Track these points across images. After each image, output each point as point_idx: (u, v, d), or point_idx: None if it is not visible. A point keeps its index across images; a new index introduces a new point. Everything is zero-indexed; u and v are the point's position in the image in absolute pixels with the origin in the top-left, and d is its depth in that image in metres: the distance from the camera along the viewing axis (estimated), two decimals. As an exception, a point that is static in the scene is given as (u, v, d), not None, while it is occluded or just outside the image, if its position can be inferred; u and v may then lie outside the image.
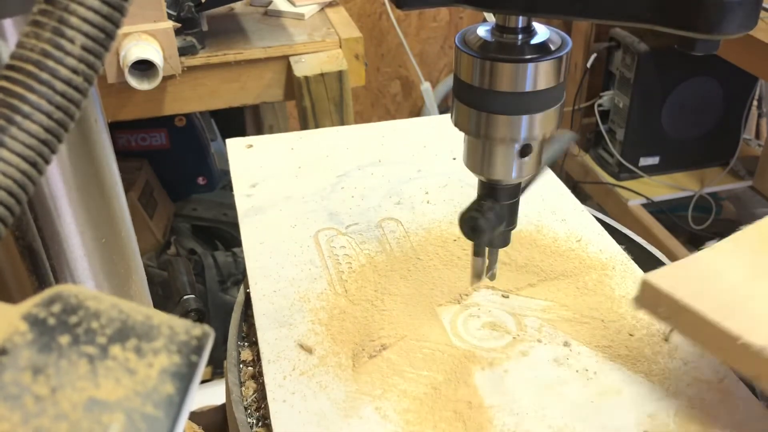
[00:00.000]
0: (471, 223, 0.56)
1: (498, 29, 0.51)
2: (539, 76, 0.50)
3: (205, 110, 1.84)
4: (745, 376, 0.56)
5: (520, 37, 0.50)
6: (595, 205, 2.25)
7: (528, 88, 0.50)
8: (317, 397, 0.60)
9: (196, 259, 1.74)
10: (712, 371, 0.62)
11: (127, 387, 0.24)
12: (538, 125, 0.52)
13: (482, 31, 0.51)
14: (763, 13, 1.36)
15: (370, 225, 0.82)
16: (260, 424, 0.61)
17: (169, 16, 1.27)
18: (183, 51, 1.31)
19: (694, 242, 2.29)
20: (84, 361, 0.24)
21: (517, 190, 0.58)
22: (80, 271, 0.51)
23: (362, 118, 2.58)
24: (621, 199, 2.18)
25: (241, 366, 0.68)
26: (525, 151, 0.53)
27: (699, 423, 0.57)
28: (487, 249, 0.63)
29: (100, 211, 0.51)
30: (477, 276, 0.62)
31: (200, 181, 2.03)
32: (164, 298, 1.59)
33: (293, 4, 1.54)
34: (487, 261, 0.64)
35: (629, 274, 0.74)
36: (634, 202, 2.17)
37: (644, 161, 2.18)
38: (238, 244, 1.29)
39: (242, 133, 2.13)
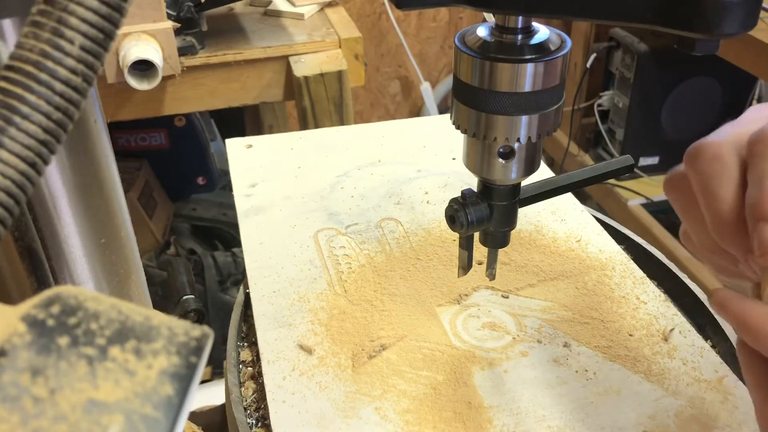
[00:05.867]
0: (449, 212, 0.58)
1: (498, 29, 0.50)
2: (535, 77, 0.49)
3: (204, 110, 1.84)
4: None
5: (519, 37, 0.50)
6: (594, 205, 2.25)
7: (523, 88, 0.50)
8: (317, 397, 0.60)
9: (195, 259, 1.74)
10: (712, 371, 0.62)
11: (127, 388, 0.24)
12: (535, 126, 0.52)
13: (482, 31, 0.51)
14: (763, 13, 1.36)
15: (370, 225, 0.82)
16: (260, 424, 0.61)
17: (169, 16, 1.27)
18: (183, 51, 1.31)
19: (694, 242, 2.29)
20: (83, 362, 0.24)
21: (515, 191, 0.57)
22: (79, 271, 0.51)
23: (362, 118, 2.58)
24: (621, 199, 2.18)
25: (240, 366, 0.68)
26: (506, 153, 0.54)
27: (699, 423, 0.57)
28: (487, 249, 0.63)
29: (100, 211, 0.51)
30: (463, 268, 0.62)
31: (200, 181, 2.03)
32: (164, 298, 1.59)
33: (293, 4, 1.54)
34: (485, 257, 0.64)
35: (629, 274, 0.74)
36: (634, 202, 2.17)
37: (644, 161, 2.19)
38: (238, 244, 1.29)
39: (242, 133, 2.13)
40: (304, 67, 1.37)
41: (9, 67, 0.28)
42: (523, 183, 0.59)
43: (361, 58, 1.44)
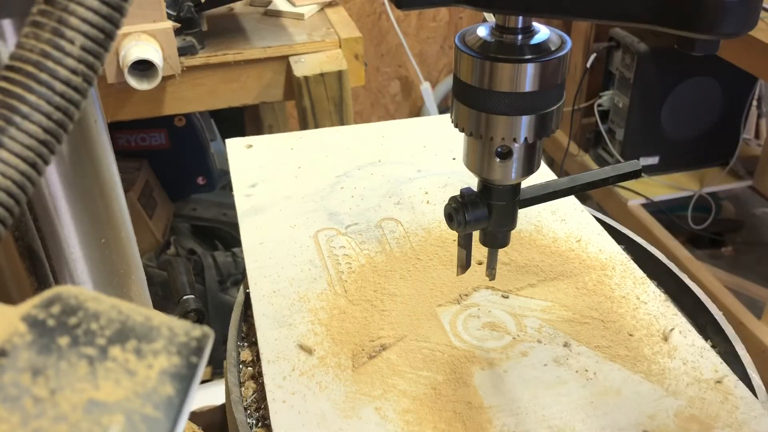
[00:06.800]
0: (447, 211, 0.58)
1: (498, 29, 0.50)
2: (535, 77, 0.49)
3: (204, 110, 1.84)
4: None
5: (519, 37, 0.50)
6: (594, 205, 2.25)
7: (523, 88, 0.50)
8: (317, 397, 0.60)
9: (195, 259, 1.73)
10: (712, 371, 0.62)
11: (127, 388, 0.24)
12: (534, 126, 0.52)
13: (482, 31, 0.51)
14: (763, 13, 1.36)
15: (370, 225, 0.82)
16: (260, 424, 0.61)
17: (169, 16, 1.27)
18: (183, 51, 1.31)
19: (694, 242, 2.29)
20: (83, 362, 0.24)
21: (514, 192, 0.57)
22: (80, 271, 0.51)
23: (362, 118, 2.58)
24: (621, 199, 2.18)
25: (240, 366, 0.68)
26: (504, 153, 0.54)
27: (699, 423, 0.57)
28: (487, 249, 0.63)
29: (100, 211, 0.51)
30: (461, 267, 0.62)
31: (200, 181, 2.03)
32: (164, 298, 1.59)
33: (293, 4, 1.54)
34: (485, 257, 0.64)
35: (629, 274, 0.74)
36: (634, 202, 2.17)
37: (644, 161, 2.18)
38: (238, 244, 1.29)
39: (242, 133, 2.13)
40: (304, 67, 1.37)
41: (9, 67, 0.28)
42: (529, 184, 0.59)
43: (361, 58, 1.44)
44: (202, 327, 0.26)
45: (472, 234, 0.61)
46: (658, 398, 0.60)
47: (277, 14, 1.53)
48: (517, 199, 0.58)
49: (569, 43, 0.51)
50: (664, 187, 2.20)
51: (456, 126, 0.54)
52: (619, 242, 0.80)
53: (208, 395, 0.97)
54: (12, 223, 0.28)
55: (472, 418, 0.58)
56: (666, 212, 2.21)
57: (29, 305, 0.25)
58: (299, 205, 0.85)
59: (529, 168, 0.55)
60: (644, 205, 2.17)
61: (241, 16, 1.53)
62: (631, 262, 0.76)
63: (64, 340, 0.24)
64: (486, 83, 0.50)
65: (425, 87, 2.45)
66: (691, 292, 0.73)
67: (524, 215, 0.82)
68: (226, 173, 1.09)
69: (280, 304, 0.70)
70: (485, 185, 0.57)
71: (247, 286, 0.75)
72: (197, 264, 1.71)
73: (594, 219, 0.83)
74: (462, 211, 0.56)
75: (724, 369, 0.63)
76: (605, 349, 0.65)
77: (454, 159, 0.95)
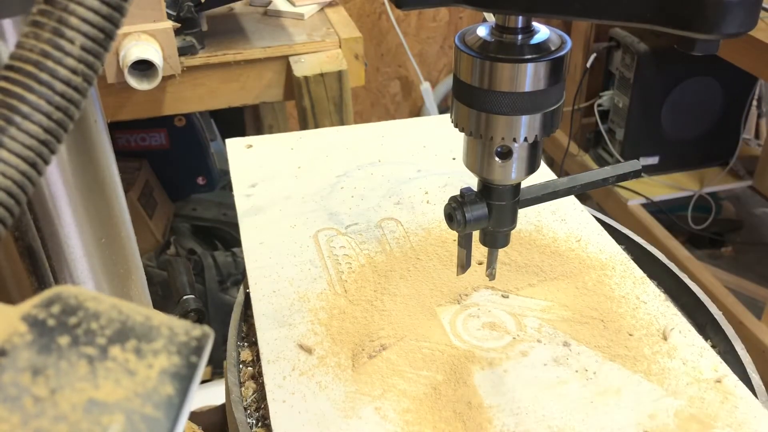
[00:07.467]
0: (447, 210, 0.58)
1: (498, 29, 0.50)
2: (535, 77, 0.49)
3: (204, 110, 1.84)
4: None
5: (519, 37, 0.50)
6: (594, 205, 2.25)
7: (523, 88, 0.50)
8: (317, 397, 0.60)
9: (195, 259, 1.73)
10: (712, 371, 0.62)
11: (127, 388, 0.24)
12: (534, 126, 0.52)
13: (482, 30, 0.51)
14: (763, 13, 1.36)
15: (370, 225, 0.82)
16: (260, 424, 0.61)
17: (169, 16, 1.27)
18: (183, 51, 1.31)
19: (694, 242, 2.29)
20: (83, 362, 0.24)
21: (514, 192, 0.57)
22: (80, 271, 0.51)
23: (362, 118, 2.58)
24: (621, 199, 2.18)
25: (240, 366, 0.68)
26: (504, 153, 0.54)
27: (699, 423, 0.57)
28: (487, 249, 0.63)
29: (100, 211, 0.51)
30: (461, 267, 0.62)
31: (200, 181, 2.03)
32: (164, 298, 1.59)
33: (293, 4, 1.54)
34: (485, 257, 0.64)
35: (629, 274, 0.74)
36: (634, 202, 2.17)
37: (644, 161, 2.18)
38: (238, 244, 1.29)
39: (242, 133, 2.13)
40: (304, 67, 1.37)
41: (9, 67, 0.28)
42: (529, 184, 0.59)
43: (361, 58, 1.44)
44: (202, 327, 0.26)
45: (472, 234, 0.61)
46: (657, 398, 0.60)
47: (277, 14, 1.53)
48: (517, 199, 0.58)
49: (569, 43, 0.51)
50: (664, 187, 2.20)
51: (456, 126, 0.54)
52: (619, 242, 0.80)
53: (208, 395, 0.97)
54: (12, 222, 0.28)
55: (472, 417, 0.58)
56: (666, 212, 2.21)
57: (29, 305, 0.25)
58: (299, 205, 0.85)
59: (529, 168, 0.55)
60: (644, 205, 2.17)
61: (241, 16, 1.53)
62: (631, 262, 0.76)
63: (64, 340, 0.24)
64: (486, 83, 0.50)
65: (425, 87, 2.45)
66: (690, 292, 0.73)
67: (524, 215, 0.82)
68: (226, 173, 1.09)
69: (280, 304, 0.70)
70: (485, 185, 0.57)
71: (247, 286, 0.75)
72: (197, 264, 1.71)
73: (594, 219, 0.83)
74: (461, 211, 0.57)
75: (723, 369, 0.63)
76: (605, 348, 0.65)
77: (454, 159, 0.95)
